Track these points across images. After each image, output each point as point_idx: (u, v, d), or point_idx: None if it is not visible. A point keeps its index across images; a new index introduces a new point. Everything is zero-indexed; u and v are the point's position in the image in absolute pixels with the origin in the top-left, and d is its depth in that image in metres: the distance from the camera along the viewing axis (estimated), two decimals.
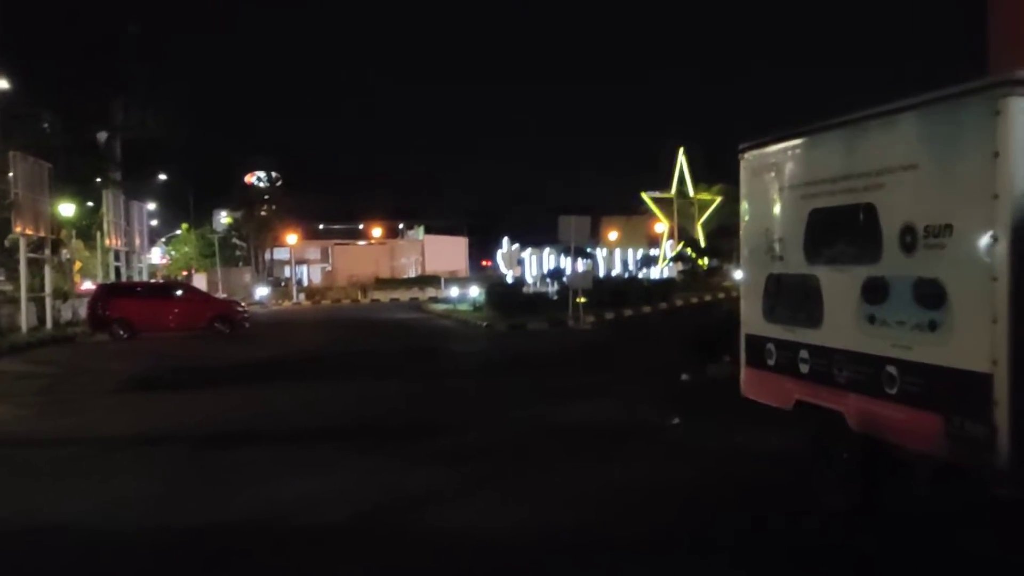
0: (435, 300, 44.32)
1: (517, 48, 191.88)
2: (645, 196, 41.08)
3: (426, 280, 54.69)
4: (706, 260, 40.13)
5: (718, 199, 43.72)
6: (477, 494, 7.07)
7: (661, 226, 58.34)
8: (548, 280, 37.05)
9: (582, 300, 25.63)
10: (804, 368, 6.20)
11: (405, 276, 61.82)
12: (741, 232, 7.45)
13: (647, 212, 61.95)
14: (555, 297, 30.54)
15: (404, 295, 51.16)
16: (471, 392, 12.99)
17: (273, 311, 43.45)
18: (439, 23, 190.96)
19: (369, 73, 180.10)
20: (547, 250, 40.27)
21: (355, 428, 10.14)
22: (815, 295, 6.02)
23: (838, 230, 5.80)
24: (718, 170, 45.92)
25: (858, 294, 5.53)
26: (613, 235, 58.92)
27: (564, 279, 33.22)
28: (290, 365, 17.45)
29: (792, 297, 6.46)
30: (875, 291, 5.37)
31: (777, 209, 6.62)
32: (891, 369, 5.20)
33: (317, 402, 12.27)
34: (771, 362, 6.76)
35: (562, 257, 39.95)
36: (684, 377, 12.97)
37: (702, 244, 41.38)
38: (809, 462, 6.49)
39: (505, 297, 29.09)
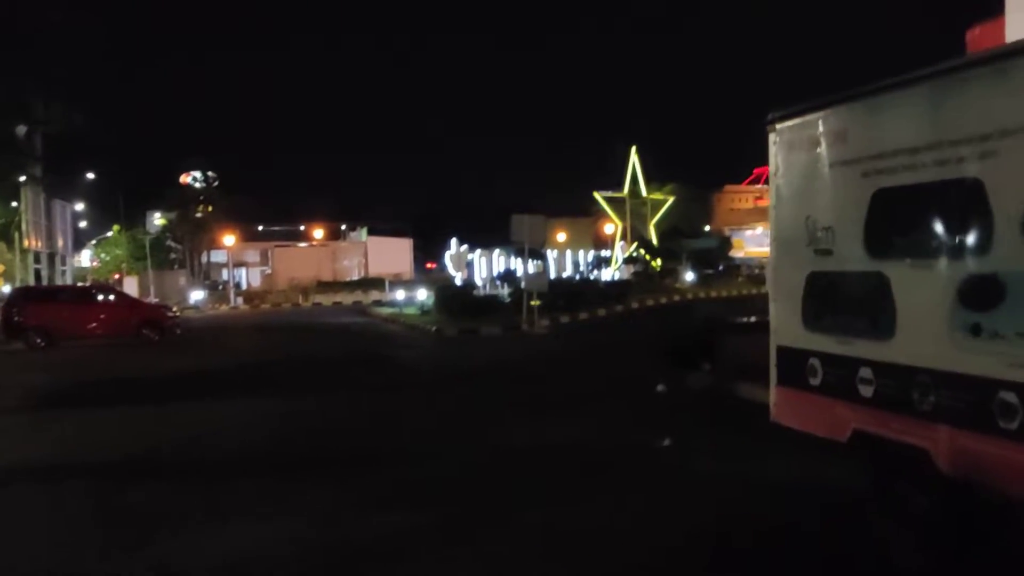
0: (380, 303, 42.72)
1: (462, 47, 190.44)
2: (598, 195, 39.96)
3: (370, 283, 53.20)
4: (659, 262, 39.20)
5: (671, 199, 42.93)
6: (447, 549, 5.64)
7: (611, 227, 57.67)
8: (498, 282, 35.75)
9: (536, 303, 24.37)
10: (866, 391, 4.90)
11: (348, 279, 60.07)
12: (771, 222, 6.12)
13: (594, 214, 61.24)
14: (507, 300, 29.26)
15: (347, 298, 49.49)
16: (427, 410, 11.47)
17: (209, 316, 41.22)
18: (384, 21, 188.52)
19: (309, 71, 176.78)
20: (497, 251, 39.01)
21: (295, 458, 8.58)
22: (883, 298, 4.72)
23: (920, 215, 4.50)
24: (668, 170, 45.39)
25: (952, 297, 4.25)
26: (561, 236, 57.92)
27: (517, 281, 31.99)
28: (223, 377, 15.74)
29: (847, 301, 5.17)
30: (982, 293, 4.09)
31: (824, 191, 5.33)
32: (1009, 396, 3.93)
33: (251, 423, 10.64)
34: (815, 381, 5.48)
35: (513, 258, 38.82)
36: (660, 388, 11.70)
37: (655, 245, 40.48)
38: (872, 510, 5.17)
39: (455, 300, 27.63)
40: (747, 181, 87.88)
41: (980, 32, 20.91)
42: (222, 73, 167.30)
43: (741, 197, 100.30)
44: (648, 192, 40.62)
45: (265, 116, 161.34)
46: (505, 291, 34.54)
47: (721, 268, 47.09)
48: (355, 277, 61.02)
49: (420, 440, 9.27)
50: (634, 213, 39.69)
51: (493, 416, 10.53)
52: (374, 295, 48.13)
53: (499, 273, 35.72)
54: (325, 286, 54.27)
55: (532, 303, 24.56)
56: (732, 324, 12.02)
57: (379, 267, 61.24)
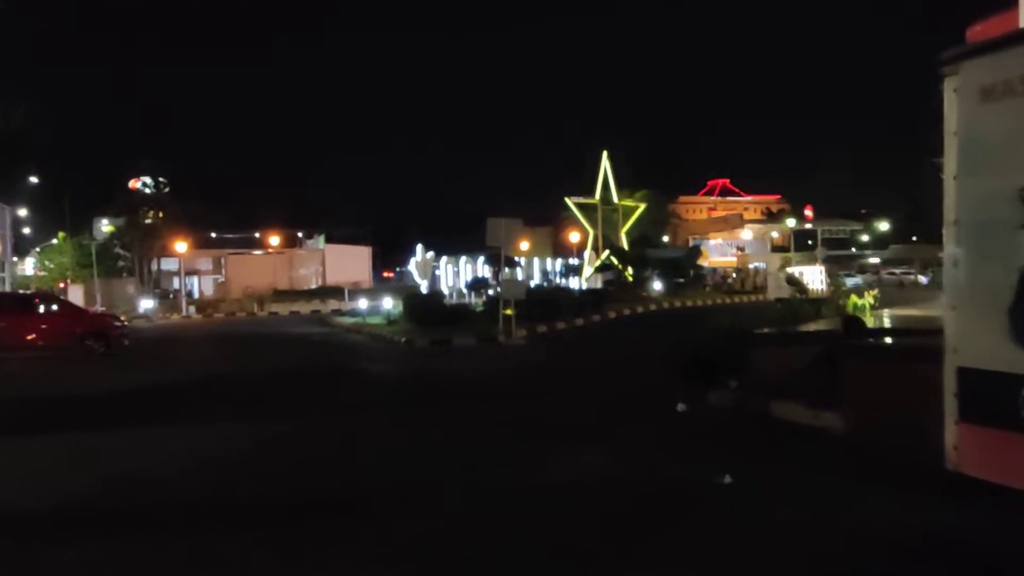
0: (340, 313, 40.99)
1: (419, 54, 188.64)
2: (570, 201, 38.67)
3: (328, 291, 51.41)
4: (631, 270, 38.04)
5: (642, 206, 41.83)
6: None
7: (575, 236, 56.43)
8: (468, 290, 34.25)
9: (510, 312, 22.95)
10: None
11: (305, 287, 58.12)
12: (949, 200, 4.67)
13: (556, 222, 60.06)
14: (479, 308, 27.81)
15: (305, 307, 47.66)
16: (409, 438, 9.76)
17: (159, 326, 39.05)
18: (343, 23, 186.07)
19: (266, 75, 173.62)
20: (464, 258, 37.49)
21: (250, 502, 6.95)
22: None
23: None
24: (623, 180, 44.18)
25: None
26: (524, 245, 56.64)
27: (489, 289, 30.55)
28: (171, 396, 13.99)
29: None
30: None
31: None
32: None
33: (199, 455, 8.93)
34: None
35: (484, 265, 37.32)
36: (681, 407, 10.33)
37: (628, 253, 39.31)
38: None
39: (425, 309, 26.05)
40: (702, 192, 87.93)
41: (982, 29, 19.99)
42: (176, 76, 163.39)
43: (696, 208, 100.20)
44: (619, 198, 39.43)
45: (220, 120, 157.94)
46: (476, 299, 33.08)
47: (702, 276, 46.19)
48: (313, 286, 59.13)
49: (405, 480, 7.59)
50: (605, 220, 38.46)
51: (490, 445, 8.98)
52: (333, 304, 46.51)
53: (469, 281, 34.18)
54: (282, 295, 52.38)
55: (506, 312, 23.14)
56: (764, 335, 10.70)
57: (337, 275, 59.45)
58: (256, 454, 8.95)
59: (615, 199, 39.13)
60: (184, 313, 46.57)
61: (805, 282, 20.95)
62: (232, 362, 20.04)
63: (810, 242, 79.96)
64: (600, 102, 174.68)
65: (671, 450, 8.37)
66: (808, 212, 79.51)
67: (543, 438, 9.16)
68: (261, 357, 21.30)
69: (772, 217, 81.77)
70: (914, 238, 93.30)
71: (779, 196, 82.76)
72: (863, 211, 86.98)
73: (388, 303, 30.98)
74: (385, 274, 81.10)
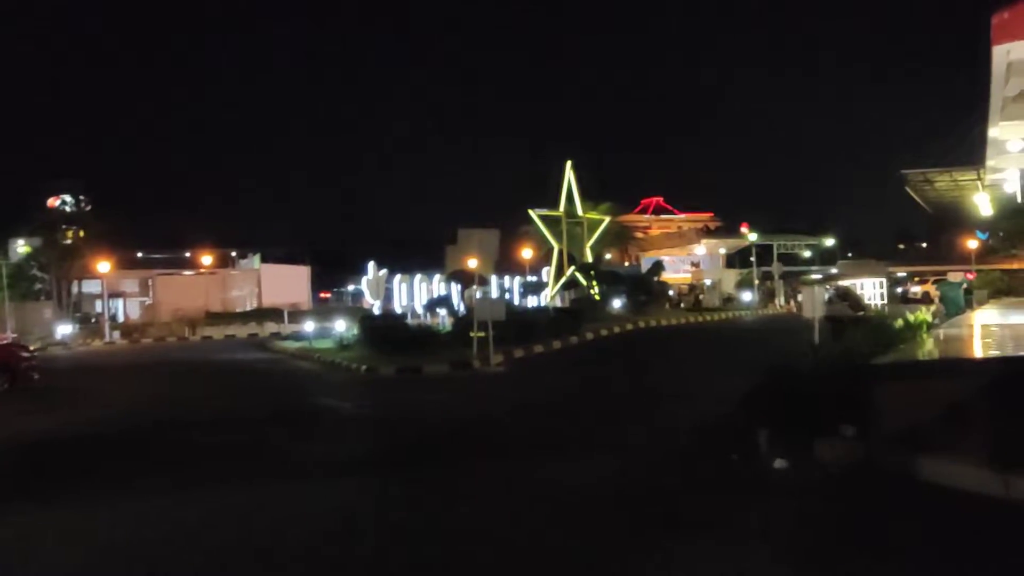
0: (280, 336, 37.64)
1: (357, 65, 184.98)
2: (533, 213, 36.15)
3: (266, 313, 48.07)
4: (598, 287, 35.70)
5: (606, 219, 39.58)
6: None
7: (528, 252, 53.98)
8: (426, 311, 31.44)
9: (480, 334, 20.30)
10: None
11: (240, 309, 54.38)
12: None
13: (508, 237, 57.51)
14: (445, 331, 25.06)
15: (241, 331, 44.23)
16: (422, 525, 6.97)
17: (79, 353, 35.11)
18: (279, 31, 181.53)
19: (198, 91, 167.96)
20: (419, 276, 34.65)
21: None
22: None
23: None
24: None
25: None
26: (472, 263, 54.02)
27: (454, 308, 27.82)
28: (80, 449, 10.86)
29: None
30: None
31: None
32: None
33: (118, 543, 6.09)
34: None
35: (442, 284, 34.56)
36: (779, 464, 7.80)
37: (598, 269, 36.98)
38: None
39: (386, 332, 23.13)
40: (636, 210, 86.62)
41: (1010, 16, 17.80)
42: (98, 91, 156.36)
43: (631, 226, 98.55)
44: (584, 211, 37.07)
45: (147, 136, 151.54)
46: (432, 320, 30.29)
47: (666, 294, 44.16)
48: (248, 307, 55.39)
49: None
50: (568, 234, 36.07)
51: (552, 547, 6.23)
52: (271, 327, 43.38)
53: (430, 300, 31.35)
54: (215, 317, 48.65)
55: (473, 334, 20.48)
56: (886, 365, 8.20)
57: (274, 297, 55.86)
58: (202, 546, 6.07)
59: (580, 212, 36.76)
60: (107, 339, 42.60)
61: (861, 296, 19.00)
62: (161, 400, 16.76)
63: (751, 259, 79.44)
64: (544, 118, 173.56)
65: (793, 542, 5.83)
66: (744, 229, 78.89)
67: (613, 526, 6.49)
68: (197, 392, 18.06)
69: (712, 234, 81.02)
70: (849, 254, 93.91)
71: (712, 214, 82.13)
72: (787, 227, 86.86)
73: (340, 326, 27.95)
74: (322, 295, 77.62)
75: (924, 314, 14.29)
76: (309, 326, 30.62)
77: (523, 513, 6.89)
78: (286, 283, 60.95)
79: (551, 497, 7.33)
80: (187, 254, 70.60)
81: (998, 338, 12.43)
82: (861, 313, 15.90)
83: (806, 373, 8.41)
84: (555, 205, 36.55)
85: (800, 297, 55.89)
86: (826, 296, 14.30)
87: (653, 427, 10.78)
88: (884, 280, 28.75)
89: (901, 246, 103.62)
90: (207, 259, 67.59)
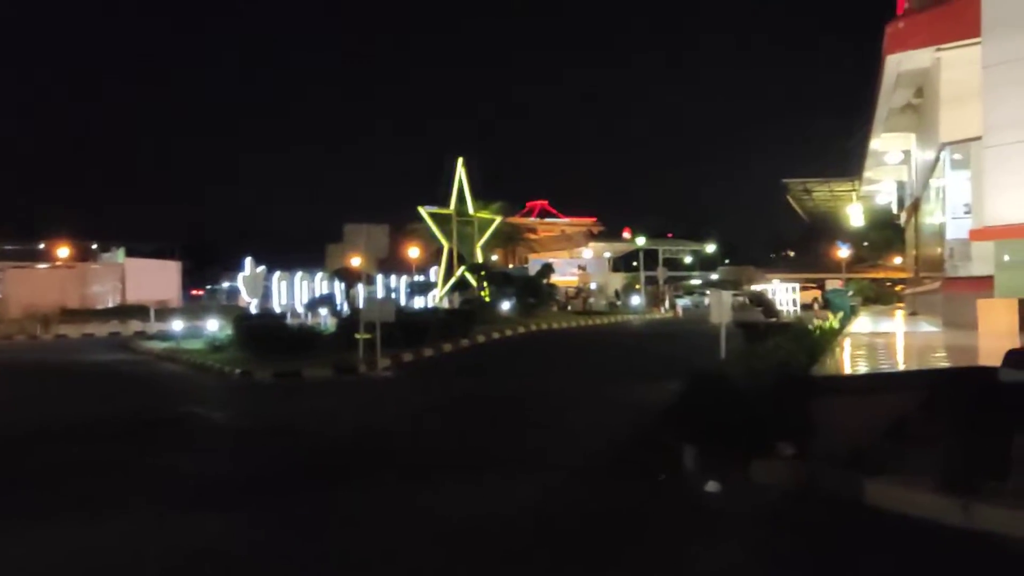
0: (146, 336, 34.93)
1: (231, 53, 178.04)
2: (423, 211, 34.83)
3: (130, 311, 44.80)
4: (487, 288, 34.79)
5: (498, 219, 38.71)
6: None
7: (415, 251, 52.58)
8: (307, 310, 29.69)
9: (365, 336, 19.02)
10: None
11: (102, 306, 50.59)
12: None
13: (397, 235, 55.74)
14: (328, 332, 23.55)
15: (101, 329, 40.95)
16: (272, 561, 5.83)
17: None
18: (148, 15, 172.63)
19: (61, 70, 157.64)
20: (300, 274, 32.80)
21: None
22: None
23: None
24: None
25: None
26: (356, 261, 52.16)
27: (340, 308, 26.29)
28: None
29: None
30: None
31: None
32: None
33: None
34: None
35: (324, 282, 32.84)
36: (712, 487, 6.99)
37: (489, 270, 36.06)
38: None
39: (263, 333, 21.38)
40: (521, 213, 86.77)
41: (904, 26, 17.85)
42: None
43: (522, 227, 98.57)
44: (475, 210, 36.07)
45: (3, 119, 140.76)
46: (313, 320, 28.62)
47: (555, 296, 43.74)
48: (110, 304, 51.65)
49: None
50: (459, 233, 34.99)
51: None
52: (136, 326, 40.32)
53: (312, 299, 29.61)
54: (72, 315, 44.87)
55: (361, 336, 19.14)
56: (827, 379, 7.48)
57: (140, 293, 52.25)
58: None
59: (471, 210, 35.74)
60: None
61: (774, 302, 18.63)
62: (5, 408, 14.70)
63: (634, 263, 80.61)
64: (425, 116, 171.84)
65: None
66: (626, 234, 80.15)
67: (531, 568, 5.50)
68: (47, 397, 15.99)
69: (596, 238, 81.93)
70: (727, 260, 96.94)
71: (595, 219, 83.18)
72: (669, 235, 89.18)
73: (212, 325, 25.92)
74: (194, 292, 73.78)
75: (833, 320, 14.04)
76: (178, 325, 28.32)
77: (421, 554, 5.76)
78: (154, 279, 57.30)
79: (454, 531, 6.23)
80: (41, 246, 65.60)
81: (903, 347, 12.19)
82: (774, 319, 15.52)
83: (736, 385, 7.63)
84: (443, 203, 35.48)
85: (682, 302, 56.97)
86: (738, 301, 13.77)
87: (565, 441, 9.84)
88: (797, 286, 28.93)
89: (772, 255, 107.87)
90: (64, 251, 62.92)
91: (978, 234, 13.72)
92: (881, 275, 68.95)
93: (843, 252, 73.65)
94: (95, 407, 14.27)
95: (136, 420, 12.44)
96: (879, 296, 50.39)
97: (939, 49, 17.05)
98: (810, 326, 12.77)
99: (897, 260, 75.56)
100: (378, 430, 11.13)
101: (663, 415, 8.56)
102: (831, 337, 11.69)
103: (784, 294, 25.07)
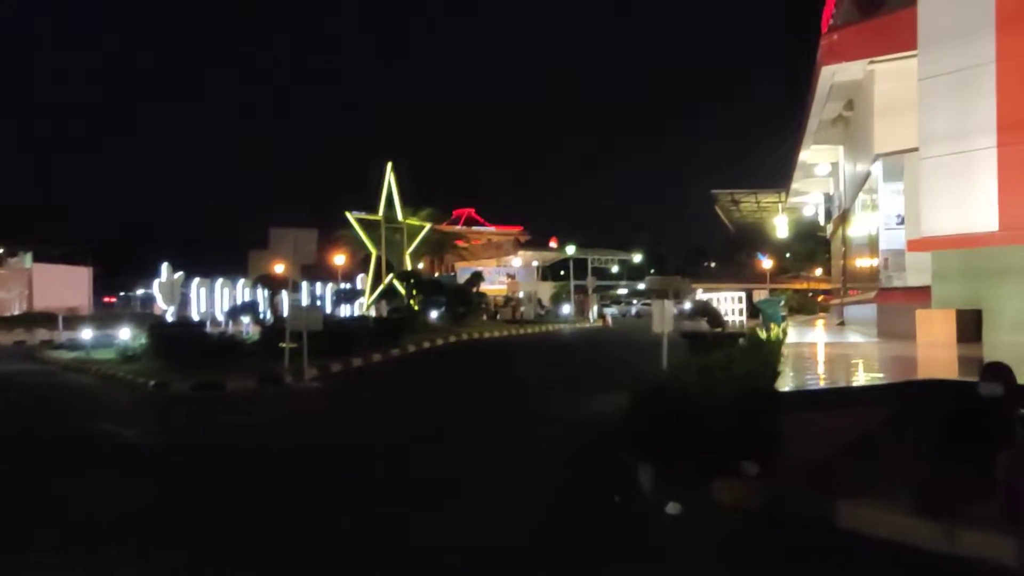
0: (53, 345, 33.04)
1: (155, 52, 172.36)
2: (351, 216, 33.79)
3: (36, 319, 42.66)
4: (416, 296, 34.01)
5: (427, 226, 37.94)
6: None
7: (340, 258, 51.37)
8: (228, 318, 28.45)
9: (291, 345, 18.16)
10: None
11: (7, 314, 48.06)
12: None
13: (322, 241, 54.30)
14: (250, 341, 22.49)
15: (6, 338, 38.86)
16: None
17: None
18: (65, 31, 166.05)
19: None
20: (220, 281, 31.46)
21: None
22: None
23: None
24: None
25: None
26: (280, 268, 50.71)
27: (263, 316, 25.20)
28: None
29: None
30: None
31: None
32: None
33: None
34: None
35: (246, 289, 31.59)
36: (672, 509, 6.53)
37: (419, 278, 35.22)
38: None
39: (180, 342, 20.22)
40: (447, 222, 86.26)
41: (839, 38, 17.91)
42: None
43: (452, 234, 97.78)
44: (404, 216, 35.22)
45: None
46: (235, 328, 27.42)
47: (484, 305, 43.15)
48: (16, 312, 49.13)
49: None
50: (387, 240, 34.11)
51: None
52: (43, 334, 38.33)
53: (233, 306, 28.36)
54: None
55: (287, 345, 18.27)
56: (793, 393, 7.08)
57: (48, 300, 49.93)
58: None
59: (399, 216, 34.89)
60: None
61: (720, 312, 18.31)
62: None
63: (562, 272, 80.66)
64: (353, 121, 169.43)
65: None
66: (553, 244, 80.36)
67: None
68: None
69: (524, 247, 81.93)
70: (652, 270, 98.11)
71: (521, 228, 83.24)
72: (594, 243, 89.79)
73: (125, 334, 24.50)
74: (106, 299, 70.73)
75: (776, 331, 13.87)
76: (87, 334, 26.78)
77: None
78: (63, 285, 54.80)
79: (398, 568, 5.60)
80: None
81: (849, 358, 12.04)
82: (719, 329, 15.25)
83: (692, 398, 7.19)
84: (370, 209, 34.58)
85: (609, 312, 57.05)
86: (681, 311, 13.41)
87: (508, 460, 9.27)
88: (743, 295, 28.70)
89: (688, 264, 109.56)
90: None
91: (916, 244, 13.71)
92: (803, 286, 70.62)
93: (766, 263, 75.18)
94: None
95: (36, 439, 11.37)
96: (802, 306, 51.42)
97: (872, 62, 17.21)
98: (756, 336, 12.53)
99: (818, 272, 77.67)
100: (308, 451, 10.35)
101: (613, 431, 8.07)
102: (778, 348, 11.47)
103: (730, 304, 24.98)
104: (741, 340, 11.96)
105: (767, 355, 8.46)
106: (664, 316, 13.18)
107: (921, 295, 14.37)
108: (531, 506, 7.20)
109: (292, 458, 9.74)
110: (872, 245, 19.56)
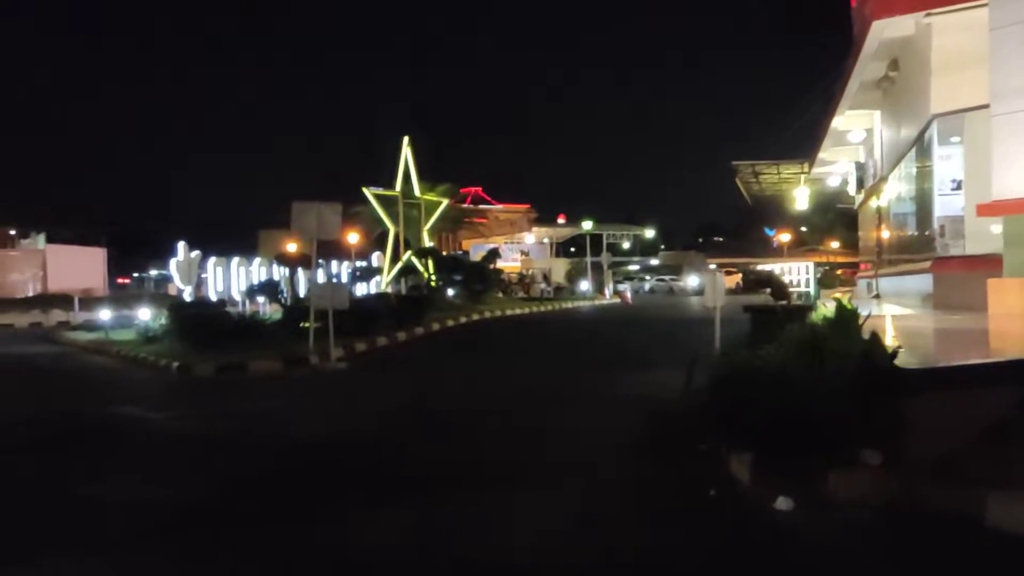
0: (70, 326, 32.60)
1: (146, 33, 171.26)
2: (368, 192, 33.00)
3: (51, 300, 42.24)
4: (436, 274, 33.28)
5: (445, 201, 37.11)
6: None
7: (354, 237, 50.57)
8: (246, 297, 27.79)
9: (315, 325, 17.48)
10: None
11: (21, 295, 47.61)
12: None
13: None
14: (271, 320, 21.82)
15: (21, 320, 38.42)
16: None
17: None
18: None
19: None
20: (237, 260, 30.83)
21: None
22: None
23: None
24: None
25: None
26: (292, 246, 49.99)
27: (283, 295, 24.53)
28: None
29: None
30: None
31: None
32: None
33: None
34: None
35: (262, 268, 30.92)
36: (784, 504, 5.77)
37: (439, 255, 34.47)
38: None
39: (203, 323, 19.57)
40: (454, 201, 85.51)
41: None
42: None
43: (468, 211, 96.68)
44: (421, 191, 34.39)
45: None
46: (251, 307, 26.75)
47: (502, 282, 42.42)
48: (31, 293, 48.67)
49: None
50: (404, 216, 33.33)
51: None
52: (59, 315, 37.93)
53: (254, 285, 27.68)
54: None
55: (310, 325, 17.59)
56: (920, 372, 6.30)
57: (63, 282, 49.44)
58: None
59: (416, 192, 34.06)
60: None
61: (787, 283, 17.52)
62: None
63: (572, 249, 79.67)
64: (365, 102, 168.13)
65: None
66: (561, 220, 79.35)
67: None
68: None
69: (536, 223, 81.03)
70: (662, 246, 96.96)
71: (529, 205, 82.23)
72: (604, 219, 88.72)
73: (144, 314, 23.88)
74: (120, 280, 70.33)
75: (846, 303, 13.00)
76: (105, 315, 26.17)
77: None
78: (77, 266, 54.35)
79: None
80: None
81: (935, 332, 11.22)
82: (784, 303, 14.45)
83: (795, 378, 6.41)
84: (388, 185, 33.76)
85: (622, 288, 56.11)
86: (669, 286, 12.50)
87: (566, 448, 8.53)
88: (811, 265, 27.18)
89: (700, 239, 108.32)
90: None
91: (986, 209, 12.84)
92: (822, 259, 69.51)
93: (783, 238, 74.10)
94: (12, 408, 12.45)
95: (54, 427, 10.71)
96: (822, 280, 50.43)
97: (929, 14, 16.20)
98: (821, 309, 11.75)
99: (834, 244, 76.47)
100: (347, 436, 9.61)
101: (682, 414, 7.34)
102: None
103: (796, 275, 23.80)
104: (811, 314, 11.10)
105: (858, 330, 7.67)
106: (716, 289, 12.39)
107: (983, 263, 13.54)
108: (616, 500, 6.47)
109: (325, 444, 9.01)
110: (921, 212, 18.66)
